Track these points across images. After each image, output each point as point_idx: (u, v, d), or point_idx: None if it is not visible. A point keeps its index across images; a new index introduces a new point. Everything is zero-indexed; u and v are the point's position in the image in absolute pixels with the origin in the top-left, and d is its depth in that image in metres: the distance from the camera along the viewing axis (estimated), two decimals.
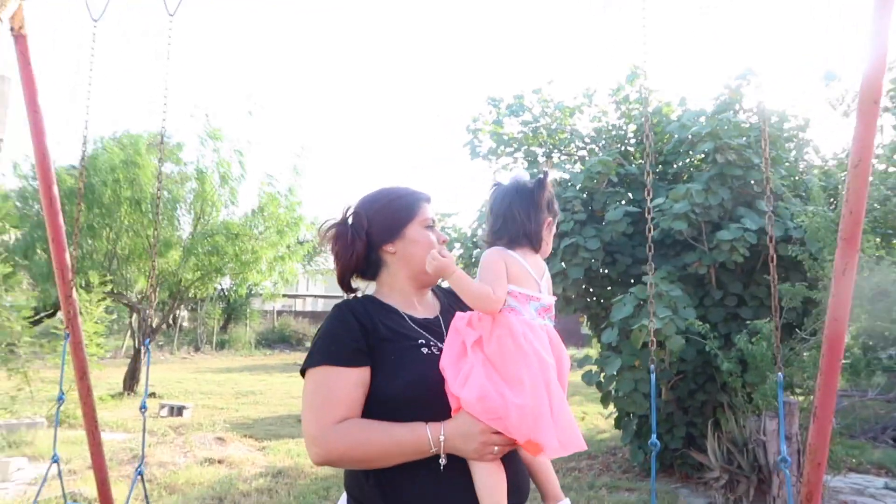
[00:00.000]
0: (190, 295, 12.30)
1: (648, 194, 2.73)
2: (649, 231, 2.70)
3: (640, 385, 5.43)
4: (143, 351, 10.63)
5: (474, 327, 1.49)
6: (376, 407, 1.47)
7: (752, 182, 5.64)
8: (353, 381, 1.47)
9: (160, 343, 19.21)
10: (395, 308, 1.62)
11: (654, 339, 2.82)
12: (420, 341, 1.55)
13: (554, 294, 1.62)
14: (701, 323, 5.06)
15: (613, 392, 5.97)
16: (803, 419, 5.13)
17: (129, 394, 10.67)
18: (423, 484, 1.43)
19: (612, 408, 6.40)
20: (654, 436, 2.99)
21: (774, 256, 2.83)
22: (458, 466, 1.43)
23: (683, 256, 6.04)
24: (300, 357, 20.41)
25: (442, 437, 1.40)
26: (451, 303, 1.72)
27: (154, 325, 11.87)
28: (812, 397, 5.13)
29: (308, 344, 24.25)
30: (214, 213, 11.90)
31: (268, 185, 12.34)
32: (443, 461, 1.41)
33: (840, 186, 6.22)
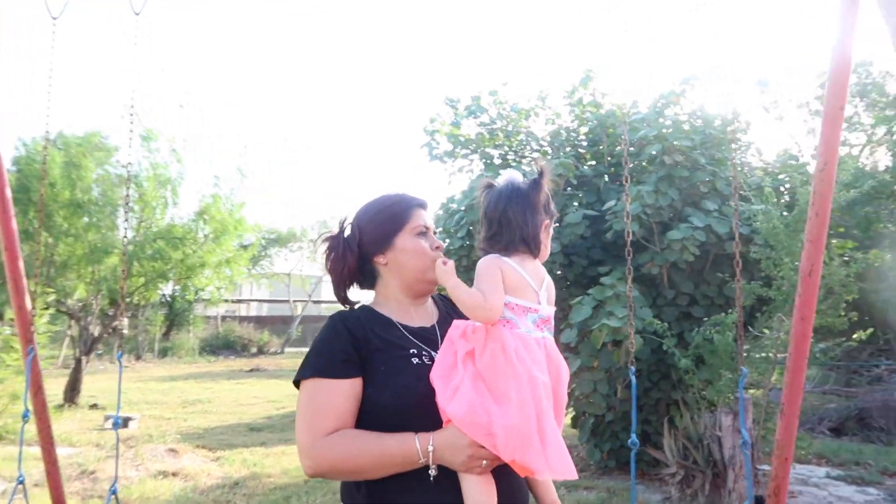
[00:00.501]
0: (134, 302, 11.87)
1: (627, 198, 2.79)
2: (628, 235, 2.76)
3: (599, 385, 5.53)
4: (110, 363, 10.18)
5: (468, 339, 1.46)
6: (368, 417, 1.46)
7: (699, 183, 5.82)
8: (344, 393, 1.45)
9: (99, 352, 18.49)
10: (390, 318, 1.60)
11: (633, 342, 2.87)
12: (412, 351, 1.53)
13: None
14: (658, 322, 5.19)
15: (573, 392, 6.06)
16: (756, 415, 5.33)
17: (69, 406, 10.21)
18: (413, 495, 1.42)
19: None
20: (633, 435, 3.05)
21: (739, 255, 2.93)
22: (450, 478, 1.41)
23: (636, 257, 6.18)
24: (246, 363, 20.07)
25: (430, 448, 1.38)
26: (451, 311, 1.70)
27: (96, 334, 11.41)
28: (763, 392, 5.35)
29: (254, 350, 23.84)
30: (158, 215, 11.56)
31: (213, 187, 12.09)
32: (432, 472, 1.39)
33: (783, 187, 6.50)
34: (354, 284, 1.71)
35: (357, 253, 1.63)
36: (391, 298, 1.64)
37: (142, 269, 10.99)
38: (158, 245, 10.89)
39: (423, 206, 1.70)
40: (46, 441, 3.29)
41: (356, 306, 1.69)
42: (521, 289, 1.45)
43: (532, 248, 1.49)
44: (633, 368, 3.25)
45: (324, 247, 1.67)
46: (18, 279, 3.05)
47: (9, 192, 2.97)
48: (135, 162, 11.02)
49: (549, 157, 6.73)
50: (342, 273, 1.63)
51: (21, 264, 3.06)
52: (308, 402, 1.47)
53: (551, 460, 1.34)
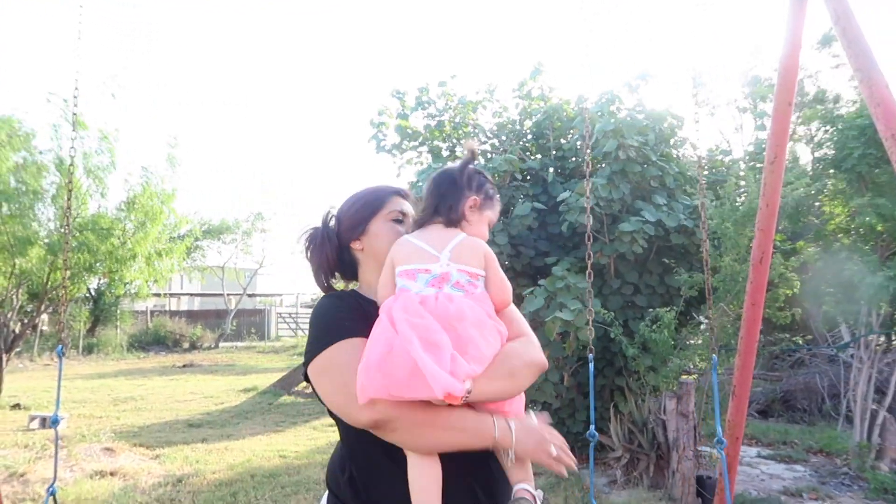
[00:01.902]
0: (58, 296, 11.29)
1: (588, 189, 2.82)
2: (589, 224, 2.80)
3: (550, 374, 5.63)
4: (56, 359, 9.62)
5: None
6: None
7: (650, 178, 6.00)
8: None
9: (18, 350, 17.55)
10: (373, 300, 1.59)
11: (592, 330, 2.94)
12: None
13: None
14: (605, 311, 5.32)
15: None
16: (697, 398, 5.55)
17: None
18: (393, 484, 1.42)
19: None
20: (592, 427, 3.13)
21: (707, 245, 3.03)
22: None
23: (584, 249, 6.32)
24: (179, 359, 19.44)
25: (511, 427, 1.41)
26: None
27: (16, 331, 10.79)
28: (703, 377, 5.57)
29: (186, 345, 23.05)
30: (82, 207, 11.00)
31: (142, 178, 11.58)
32: (511, 455, 1.41)
33: (732, 181, 6.77)
34: (336, 275, 1.72)
35: (336, 243, 1.66)
36: (371, 284, 1.63)
37: (68, 262, 10.44)
38: (85, 236, 10.37)
39: (400, 193, 1.72)
40: None
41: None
42: (413, 256, 1.49)
43: (446, 217, 1.54)
44: (591, 356, 3.34)
45: (303, 238, 1.70)
46: None
47: None
48: (62, 149, 10.45)
49: (498, 149, 6.78)
50: (321, 260, 1.66)
51: None
52: (337, 372, 1.40)
53: (387, 383, 1.28)
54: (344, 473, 1.50)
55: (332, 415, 1.52)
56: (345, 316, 1.49)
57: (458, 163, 1.60)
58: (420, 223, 1.57)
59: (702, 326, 5.46)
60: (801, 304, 6.68)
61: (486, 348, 1.39)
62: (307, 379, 1.52)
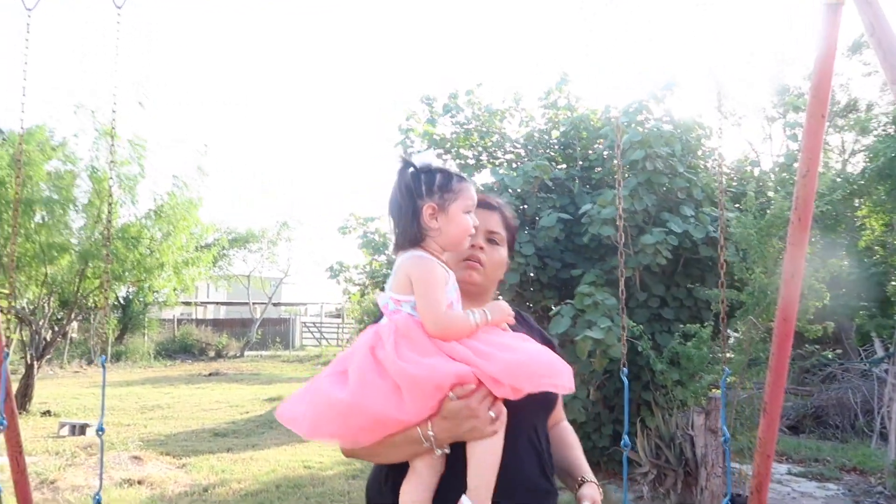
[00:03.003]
0: (89, 304, 11.49)
1: (619, 200, 2.80)
2: (621, 237, 2.77)
3: (579, 391, 5.59)
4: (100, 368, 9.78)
5: None
6: None
7: (676, 189, 5.93)
8: None
9: (48, 357, 17.90)
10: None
11: (625, 344, 2.90)
12: None
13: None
14: (633, 324, 5.26)
15: None
16: (727, 414, 5.45)
17: (21, 413, 9.81)
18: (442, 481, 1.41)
19: None
20: (625, 436, 3.07)
21: (712, 260, 2.98)
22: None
23: (609, 260, 6.27)
24: (204, 367, 19.61)
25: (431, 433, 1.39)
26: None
27: (48, 338, 11.00)
28: (738, 393, 5.47)
29: (212, 353, 23.20)
30: (112, 216, 11.18)
31: (172, 186, 11.76)
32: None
33: (751, 193, 6.68)
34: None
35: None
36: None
37: (97, 270, 10.62)
38: (114, 245, 10.54)
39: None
40: (15, 449, 3.14)
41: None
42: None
43: (406, 242, 1.46)
44: (625, 370, 3.27)
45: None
46: None
47: None
48: (93, 158, 10.66)
49: (524, 159, 6.76)
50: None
51: None
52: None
53: (296, 413, 1.42)
54: (387, 482, 1.49)
55: None
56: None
57: (396, 178, 1.47)
58: (395, 253, 1.52)
59: (731, 341, 5.36)
60: (833, 318, 6.55)
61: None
62: None
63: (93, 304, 11.85)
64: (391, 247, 1.60)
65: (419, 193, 1.44)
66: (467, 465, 1.38)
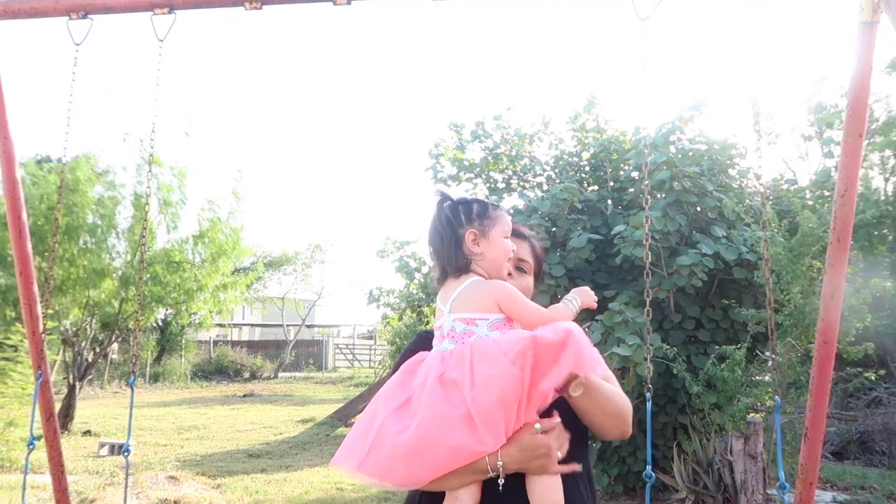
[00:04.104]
0: (129, 326, 11.75)
1: (647, 221, 2.78)
2: (647, 258, 2.75)
3: None
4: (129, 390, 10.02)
5: None
6: None
7: (707, 209, 5.86)
8: None
9: (89, 378, 18.31)
10: None
11: (650, 368, 2.87)
12: None
13: None
14: (667, 346, 5.19)
15: None
16: (766, 438, 5.31)
17: (63, 432, 10.03)
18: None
19: None
20: (648, 467, 3.01)
21: (768, 278, 2.93)
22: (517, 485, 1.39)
23: (642, 282, 6.19)
24: (240, 389, 19.84)
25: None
26: None
27: (89, 359, 11.26)
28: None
29: (247, 375, 23.41)
30: (152, 240, 11.48)
31: (208, 211, 12.04)
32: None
33: (772, 213, 6.56)
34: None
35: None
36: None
37: (137, 296, 10.89)
38: (154, 269, 10.81)
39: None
40: (57, 468, 3.22)
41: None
42: (437, 315, 1.53)
43: (453, 268, 1.51)
44: (649, 395, 3.23)
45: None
46: (33, 304, 3.01)
47: (24, 216, 2.95)
48: (136, 185, 10.98)
49: (555, 181, 6.75)
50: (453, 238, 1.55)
51: (35, 288, 3.04)
52: None
53: (363, 462, 1.35)
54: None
55: None
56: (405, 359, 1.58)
57: (434, 211, 1.54)
58: (438, 282, 1.56)
59: (769, 364, 5.24)
60: (877, 340, 6.35)
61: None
62: None
63: (133, 327, 12.12)
64: (430, 272, 1.59)
65: (459, 222, 1.51)
66: (530, 501, 1.40)
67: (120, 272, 11.06)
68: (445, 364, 1.39)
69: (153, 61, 2.80)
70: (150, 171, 3.25)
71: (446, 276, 1.53)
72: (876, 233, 5.50)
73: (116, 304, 11.17)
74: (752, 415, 4.97)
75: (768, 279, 2.89)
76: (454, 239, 1.50)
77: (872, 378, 6.52)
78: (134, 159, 11.13)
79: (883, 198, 7.15)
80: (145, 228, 3.16)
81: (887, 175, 9.34)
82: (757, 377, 5.72)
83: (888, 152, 7.65)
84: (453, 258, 1.50)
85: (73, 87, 2.99)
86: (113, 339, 12.32)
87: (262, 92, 64.86)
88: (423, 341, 1.60)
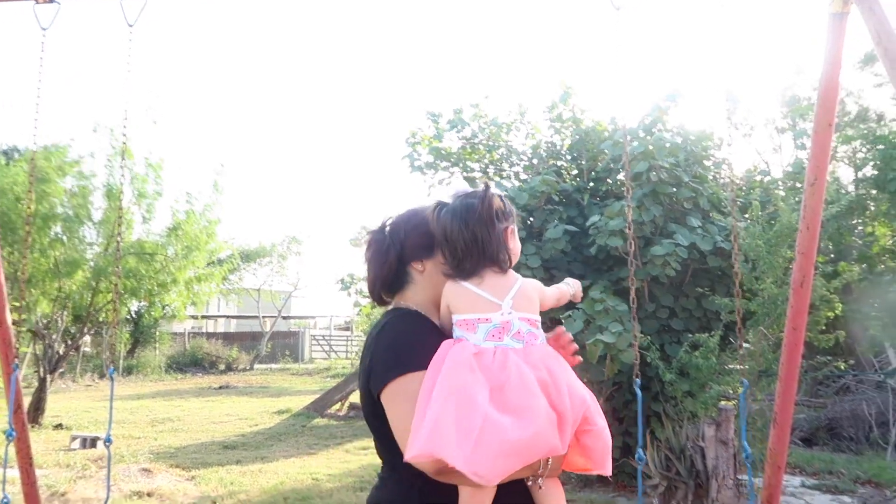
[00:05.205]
0: (101, 319, 11.59)
1: (629, 210, 2.81)
2: (632, 246, 2.78)
3: None
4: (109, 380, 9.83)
5: None
6: None
7: (683, 199, 5.92)
8: None
9: (61, 371, 18.03)
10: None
11: (638, 355, 2.91)
12: None
13: None
14: (642, 335, 5.24)
15: None
16: (737, 425, 5.40)
17: (33, 426, 9.86)
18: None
19: None
20: (640, 450, 3.06)
21: (720, 270, 2.97)
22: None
23: (617, 271, 6.26)
24: (215, 381, 19.67)
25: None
26: None
27: (61, 352, 11.08)
28: (749, 405, 5.42)
29: (222, 367, 23.31)
30: (126, 232, 11.31)
31: (184, 203, 11.88)
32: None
33: (756, 203, 6.66)
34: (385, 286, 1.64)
35: (397, 255, 1.58)
36: (421, 305, 1.57)
37: (110, 285, 10.72)
38: (127, 261, 10.65)
39: None
40: (25, 461, 3.18)
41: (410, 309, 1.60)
42: (474, 304, 1.44)
43: (500, 263, 1.47)
44: (637, 381, 3.27)
45: (365, 241, 1.65)
46: (0, 295, 2.96)
47: None
48: (109, 175, 10.80)
49: (531, 171, 6.77)
50: (382, 269, 1.58)
51: (2, 279, 2.98)
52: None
53: (474, 458, 1.26)
54: None
55: (385, 442, 1.46)
56: (435, 342, 1.42)
57: (479, 199, 1.47)
58: (468, 271, 1.46)
59: (740, 352, 5.32)
60: (846, 328, 6.49)
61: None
62: (368, 394, 1.47)
63: (105, 319, 11.94)
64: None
65: (504, 216, 1.50)
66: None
67: (92, 263, 10.88)
68: (530, 364, 1.38)
69: (124, 48, 2.75)
70: (122, 161, 3.19)
71: (483, 268, 1.46)
72: (845, 223, 5.61)
73: (88, 296, 11.00)
74: (723, 402, 5.05)
75: (737, 270, 2.94)
76: (497, 231, 1.47)
77: (842, 367, 6.66)
78: (105, 150, 10.94)
79: (852, 189, 7.29)
80: (120, 218, 3.11)
81: (856, 168, 9.53)
82: (729, 365, 5.82)
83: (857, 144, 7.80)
84: (497, 252, 1.46)
85: (41, 73, 2.93)
86: (85, 331, 12.13)
87: (236, 82, 64.03)
88: (430, 322, 1.53)
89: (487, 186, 1.50)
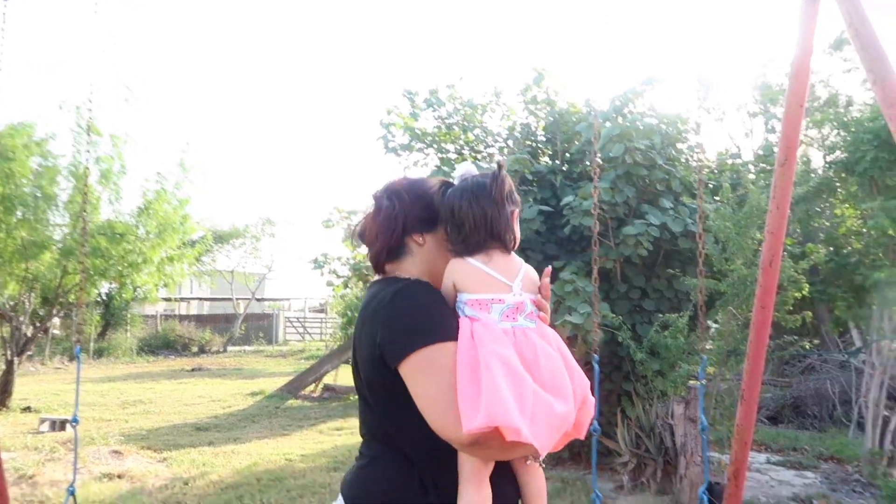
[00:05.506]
0: (70, 300, 11.38)
1: (596, 192, 2.80)
2: (595, 228, 2.79)
3: None
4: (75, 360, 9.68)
5: None
6: None
7: (656, 181, 5.97)
8: None
9: (29, 353, 17.70)
10: None
11: (598, 332, 2.93)
12: None
13: None
14: (613, 315, 5.30)
15: None
16: (706, 404, 5.51)
17: (0, 409, 9.70)
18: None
19: None
20: (594, 422, 3.13)
21: (690, 251, 3.01)
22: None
23: (590, 252, 6.29)
24: (187, 363, 19.50)
25: None
26: None
27: (28, 334, 10.87)
28: (718, 384, 5.53)
29: (195, 349, 23.12)
30: (94, 212, 11.07)
31: (154, 183, 11.67)
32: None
33: (727, 185, 6.75)
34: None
35: (401, 224, 1.53)
36: (418, 276, 1.53)
37: (79, 266, 10.51)
38: (97, 241, 10.45)
39: None
40: None
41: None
42: (485, 284, 1.42)
43: (506, 242, 1.47)
44: (596, 357, 3.35)
45: (375, 206, 1.58)
46: None
47: None
48: (75, 155, 10.54)
49: (505, 152, 6.77)
50: (390, 237, 1.53)
51: None
52: (449, 375, 1.31)
53: (531, 427, 1.26)
54: (426, 494, 1.39)
55: (390, 416, 1.44)
56: (451, 314, 1.41)
57: (491, 178, 1.47)
58: (473, 246, 1.45)
59: (711, 331, 5.41)
60: (812, 308, 6.63)
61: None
62: (374, 365, 1.40)
63: (74, 300, 11.72)
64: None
65: (513, 199, 1.50)
66: (531, 490, 1.51)
67: (60, 244, 10.65)
68: (549, 343, 1.42)
69: (91, 24, 2.67)
70: (88, 137, 3.11)
71: (489, 247, 1.45)
72: (813, 207, 5.71)
73: (57, 278, 10.79)
74: (692, 381, 5.14)
75: (701, 252, 2.98)
76: (506, 212, 1.47)
77: (807, 347, 6.80)
78: (71, 128, 10.66)
79: (821, 172, 7.40)
80: (86, 196, 3.04)
81: (826, 152, 9.68)
82: (699, 345, 5.91)
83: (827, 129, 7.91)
84: (504, 232, 1.46)
85: (0, 46, 2.83)
86: (54, 313, 11.91)
87: (208, 61, 62.86)
88: (440, 293, 1.48)
89: (500, 166, 1.49)
